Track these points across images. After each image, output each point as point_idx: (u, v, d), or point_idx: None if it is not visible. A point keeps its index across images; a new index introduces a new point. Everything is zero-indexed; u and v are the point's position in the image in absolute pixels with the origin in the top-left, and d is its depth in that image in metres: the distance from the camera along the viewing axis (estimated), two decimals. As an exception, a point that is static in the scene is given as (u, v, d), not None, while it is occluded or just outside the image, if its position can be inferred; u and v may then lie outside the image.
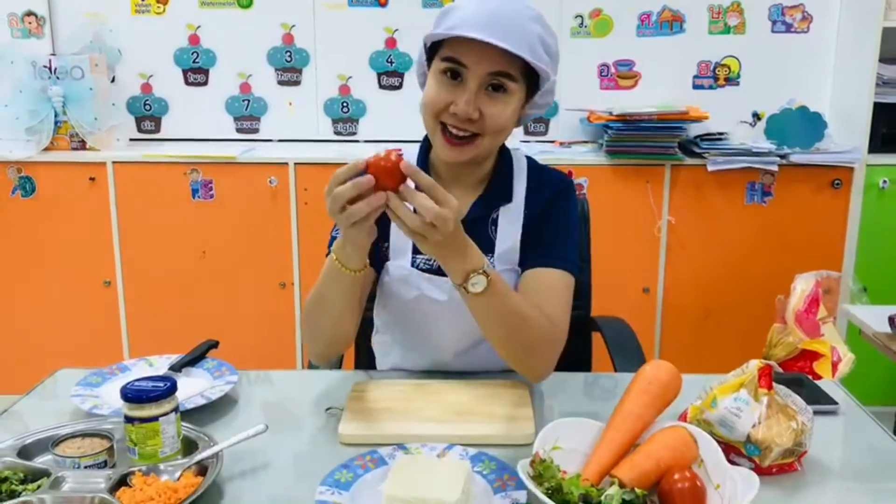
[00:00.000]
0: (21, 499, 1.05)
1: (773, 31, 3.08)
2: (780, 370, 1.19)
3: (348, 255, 1.29)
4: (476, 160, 1.46)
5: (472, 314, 1.33)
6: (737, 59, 3.11)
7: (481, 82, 1.36)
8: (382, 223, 1.49)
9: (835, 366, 1.17)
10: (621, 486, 1.04)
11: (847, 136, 2.94)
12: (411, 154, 1.54)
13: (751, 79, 3.11)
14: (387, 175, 1.13)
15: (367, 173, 1.13)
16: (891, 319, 1.94)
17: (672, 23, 3.09)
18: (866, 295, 1.96)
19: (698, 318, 2.99)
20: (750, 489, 1.00)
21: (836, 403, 1.37)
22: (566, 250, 1.50)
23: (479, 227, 1.49)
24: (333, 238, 1.49)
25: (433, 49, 1.41)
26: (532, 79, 1.40)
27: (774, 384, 1.18)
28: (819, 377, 1.18)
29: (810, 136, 2.90)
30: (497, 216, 1.50)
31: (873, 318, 2.03)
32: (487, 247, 1.48)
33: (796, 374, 1.20)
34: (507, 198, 1.50)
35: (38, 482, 1.10)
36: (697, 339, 2.99)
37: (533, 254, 1.49)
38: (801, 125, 2.91)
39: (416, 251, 1.50)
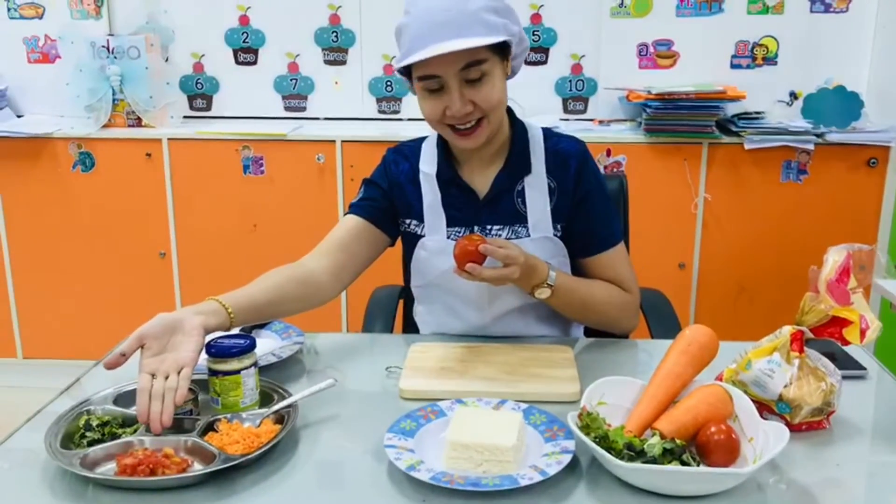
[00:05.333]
0: (124, 439, 1.18)
1: (811, 11, 3.11)
2: (812, 336, 1.27)
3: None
4: (490, 138, 1.55)
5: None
6: (775, 38, 3.14)
7: (459, 79, 1.45)
8: (412, 205, 1.61)
9: (863, 332, 1.24)
10: (662, 437, 1.14)
11: (884, 116, 2.97)
12: (432, 140, 1.66)
13: (788, 58, 3.15)
14: (473, 257, 1.39)
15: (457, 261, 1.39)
16: (921, 294, 2.01)
17: (711, 3, 3.13)
18: (898, 269, 2.01)
19: (733, 293, 3.06)
20: (780, 441, 1.10)
21: (864, 369, 1.46)
22: (611, 226, 1.63)
23: (506, 199, 1.60)
24: (350, 203, 1.67)
25: (404, 70, 1.50)
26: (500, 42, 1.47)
27: (806, 349, 1.27)
28: (847, 343, 1.25)
29: (847, 116, 2.93)
30: (522, 188, 1.59)
31: (905, 292, 2.10)
32: (517, 218, 1.59)
33: (827, 341, 1.28)
34: (527, 169, 1.60)
35: (135, 426, 1.23)
36: (731, 314, 3.06)
37: (588, 242, 1.61)
38: (837, 104, 2.94)
39: (449, 224, 1.61)
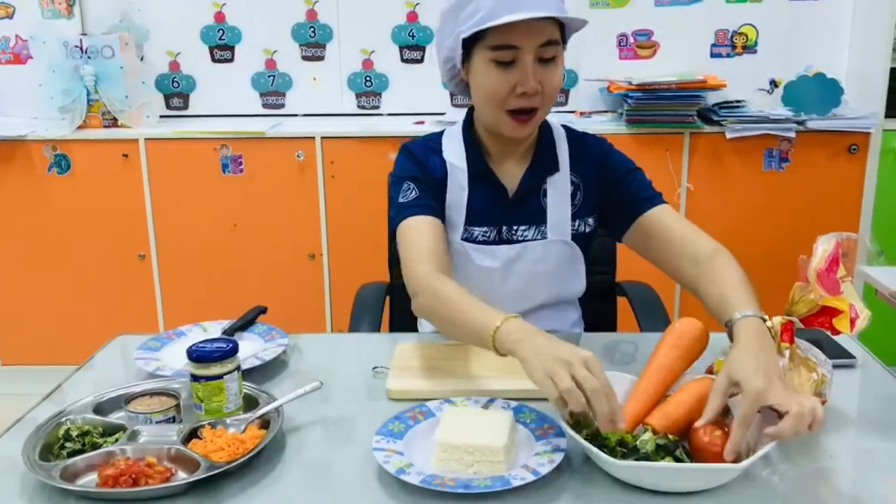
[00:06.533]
0: (105, 449, 1.15)
1: (790, -1, 3.11)
2: (802, 326, 1.27)
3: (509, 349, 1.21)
4: (534, 130, 1.53)
5: None
6: (754, 27, 3.14)
7: (535, 55, 1.41)
8: (444, 200, 1.54)
9: (853, 322, 1.23)
10: (654, 432, 1.13)
11: (863, 102, 2.98)
12: (455, 134, 1.60)
13: (768, 46, 3.15)
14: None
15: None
16: (906, 280, 2.01)
17: (690, -8, 3.13)
18: (883, 257, 2.02)
19: (717, 282, 3.05)
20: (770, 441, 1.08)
21: (854, 357, 1.46)
22: (651, 189, 1.57)
23: (533, 197, 1.56)
24: (403, 205, 1.51)
25: (467, 42, 1.44)
26: (562, 31, 1.45)
27: (796, 339, 1.26)
28: (838, 332, 1.25)
29: (827, 103, 2.94)
30: (546, 187, 1.56)
31: (889, 278, 2.10)
32: (541, 218, 1.56)
33: (817, 330, 1.28)
34: (555, 167, 1.56)
35: (116, 435, 1.20)
36: (716, 303, 3.06)
37: (638, 201, 1.54)
38: (817, 92, 2.95)
39: (474, 223, 1.56)
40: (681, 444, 1.12)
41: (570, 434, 1.11)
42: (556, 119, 1.63)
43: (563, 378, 1.08)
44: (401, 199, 1.52)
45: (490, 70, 1.42)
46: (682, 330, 1.25)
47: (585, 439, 1.09)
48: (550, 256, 1.56)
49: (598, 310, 1.86)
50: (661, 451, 1.09)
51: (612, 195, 1.58)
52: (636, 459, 1.07)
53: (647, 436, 1.11)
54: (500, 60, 1.41)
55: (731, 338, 1.22)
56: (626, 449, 1.09)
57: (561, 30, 1.45)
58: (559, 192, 1.56)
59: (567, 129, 1.63)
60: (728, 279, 1.35)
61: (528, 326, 1.22)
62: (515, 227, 1.56)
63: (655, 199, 1.54)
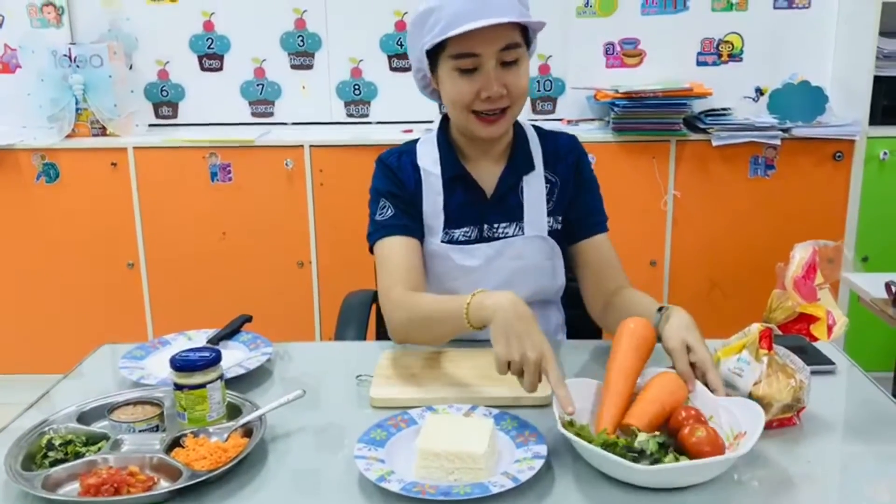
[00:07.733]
0: (87, 458, 1.15)
1: (774, 7, 3.13)
2: (780, 332, 1.28)
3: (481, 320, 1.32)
4: (506, 131, 1.56)
5: None
6: (739, 35, 3.17)
7: (497, 60, 1.45)
8: (422, 208, 1.57)
9: (830, 328, 1.25)
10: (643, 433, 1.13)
11: (848, 110, 3.00)
12: (431, 139, 1.63)
13: (753, 55, 3.18)
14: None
15: None
16: (887, 286, 2.03)
17: (675, 1, 3.14)
18: (864, 264, 2.04)
19: (704, 289, 3.07)
20: (746, 412, 1.14)
21: (833, 364, 1.47)
22: (603, 213, 1.67)
23: (511, 195, 1.60)
24: (379, 223, 1.57)
25: (432, 52, 1.49)
26: (525, 31, 1.50)
27: (774, 345, 1.27)
28: (815, 339, 1.26)
29: (812, 110, 2.96)
30: (522, 184, 1.60)
31: (872, 285, 2.12)
32: (519, 214, 1.60)
33: (797, 337, 1.29)
34: (531, 166, 1.60)
35: (99, 444, 1.20)
36: (703, 310, 3.06)
37: (585, 225, 1.63)
38: (802, 99, 2.97)
39: (447, 226, 1.59)
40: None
41: (576, 442, 1.11)
42: (526, 120, 1.67)
43: (513, 371, 1.25)
44: (377, 217, 1.59)
45: (454, 78, 1.47)
46: (638, 332, 1.29)
47: (596, 445, 1.09)
48: (529, 252, 1.59)
49: (581, 316, 1.86)
50: (662, 449, 1.10)
51: (572, 206, 1.63)
52: (651, 462, 1.08)
53: (644, 436, 1.12)
54: (463, 68, 1.46)
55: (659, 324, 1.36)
56: (635, 453, 1.09)
57: (524, 32, 1.49)
58: (534, 189, 1.60)
59: (537, 128, 1.67)
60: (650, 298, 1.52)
61: (500, 291, 1.31)
62: (496, 225, 1.60)
63: (602, 225, 1.65)
